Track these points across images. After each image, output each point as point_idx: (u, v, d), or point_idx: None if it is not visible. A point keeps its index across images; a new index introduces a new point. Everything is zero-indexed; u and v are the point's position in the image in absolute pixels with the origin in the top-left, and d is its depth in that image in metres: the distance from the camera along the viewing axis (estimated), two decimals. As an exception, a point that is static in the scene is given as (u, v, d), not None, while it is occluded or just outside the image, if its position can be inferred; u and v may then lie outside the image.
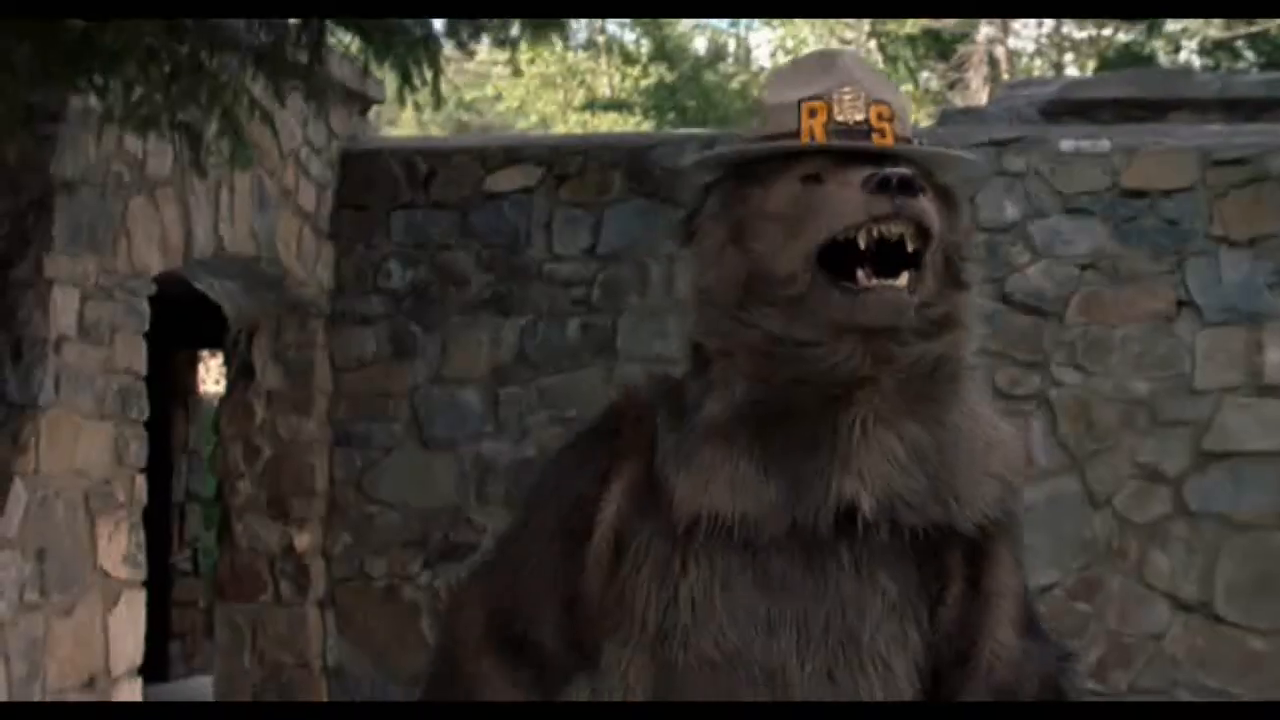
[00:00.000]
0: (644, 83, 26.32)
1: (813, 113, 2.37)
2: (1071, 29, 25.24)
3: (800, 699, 2.33)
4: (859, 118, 2.36)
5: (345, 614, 9.16)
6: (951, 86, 23.26)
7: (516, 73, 12.59)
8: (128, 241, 7.17)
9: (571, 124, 25.67)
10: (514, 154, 9.23)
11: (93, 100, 6.18)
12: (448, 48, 5.49)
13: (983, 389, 2.58)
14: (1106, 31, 23.05)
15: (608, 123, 25.38)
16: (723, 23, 31.71)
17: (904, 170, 2.27)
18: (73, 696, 6.79)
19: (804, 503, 2.32)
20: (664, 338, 8.80)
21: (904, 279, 2.28)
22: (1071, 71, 24.93)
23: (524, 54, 6.02)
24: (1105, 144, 8.61)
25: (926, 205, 2.29)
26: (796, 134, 2.38)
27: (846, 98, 2.37)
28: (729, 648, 2.34)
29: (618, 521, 2.42)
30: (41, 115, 6.40)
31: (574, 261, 9.05)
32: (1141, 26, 22.34)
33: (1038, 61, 25.53)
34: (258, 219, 8.24)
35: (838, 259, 2.28)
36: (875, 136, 2.36)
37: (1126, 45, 22.63)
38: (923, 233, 2.28)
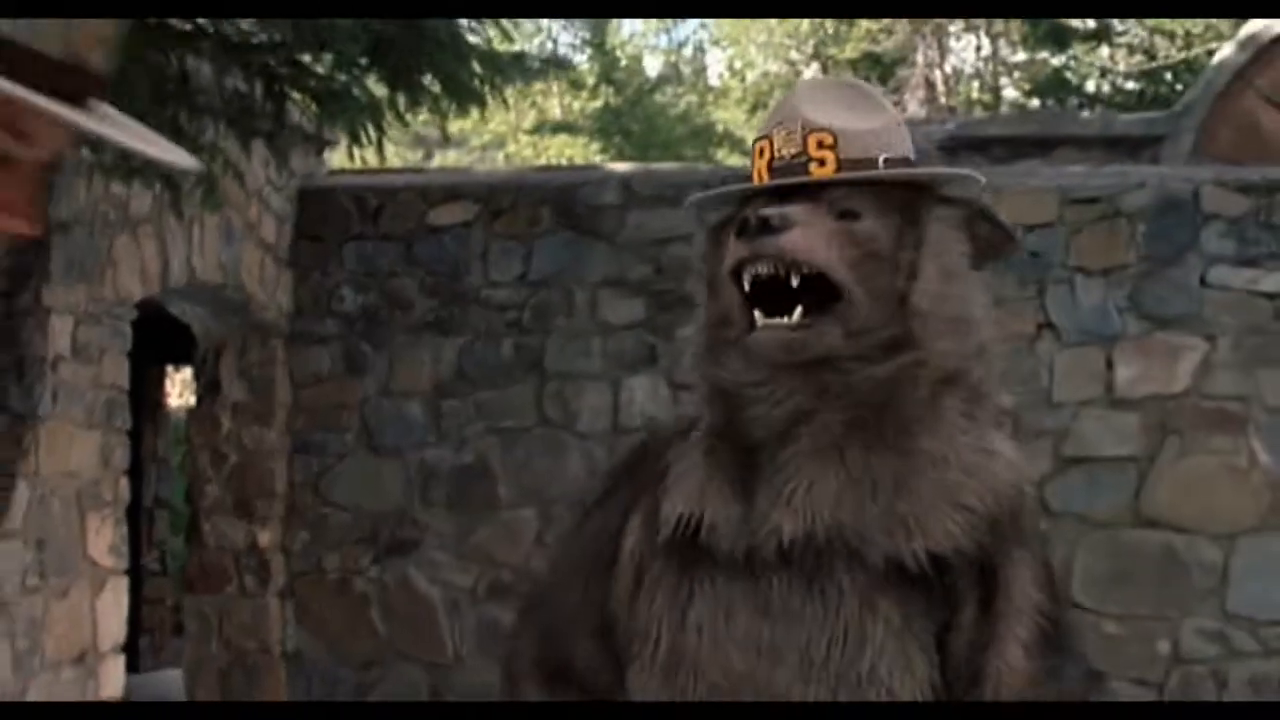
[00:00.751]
0: (592, 105, 26.73)
1: (761, 152, 2.37)
2: (1007, 53, 25.65)
3: None
4: (794, 150, 2.33)
5: (303, 604, 9.54)
6: None
7: (446, 138, 13.00)
8: (113, 273, 7.67)
9: (522, 144, 26.13)
10: (454, 191, 9.70)
11: (85, 152, 6.63)
12: (389, 115, 6.21)
13: (985, 409, 2.41)
14: (1041, 55, 23.42)
15: (556, 145, 25.75)
16: (677, 40, 32.10)
17: (763, 211, 2.24)
18: (67, 670, 7.34)
19: (755, 534, 2.28)
20: (587, 356, 9.36)
21: (794, 315, 2.26)
22: (1009, 93, 25.36)
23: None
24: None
25: (790, 241, 2.24)
26: (751, 177, 2.40)
27: (783, 133, 2.34)
28: (734, 676, 2.29)
29: (637, 552, 2.41)
30: (40, 166, 7.00)
31: (507, 288, 9.48)
32: (1072, 52, 22.71)
33: (975, 84, 25.97)
34: (225, 251, 8.73)
35: (760, 301, 2.29)
36: (814, 166, 2.32)
37: (1056, 70, 23.07)
38: (796, 265, 2.24)
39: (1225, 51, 12.44)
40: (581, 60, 27.62)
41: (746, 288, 2.27)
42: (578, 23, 26.20)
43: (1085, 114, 14.65)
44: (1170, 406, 9.06)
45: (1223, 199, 9.12)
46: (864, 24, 23.57)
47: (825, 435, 2.28)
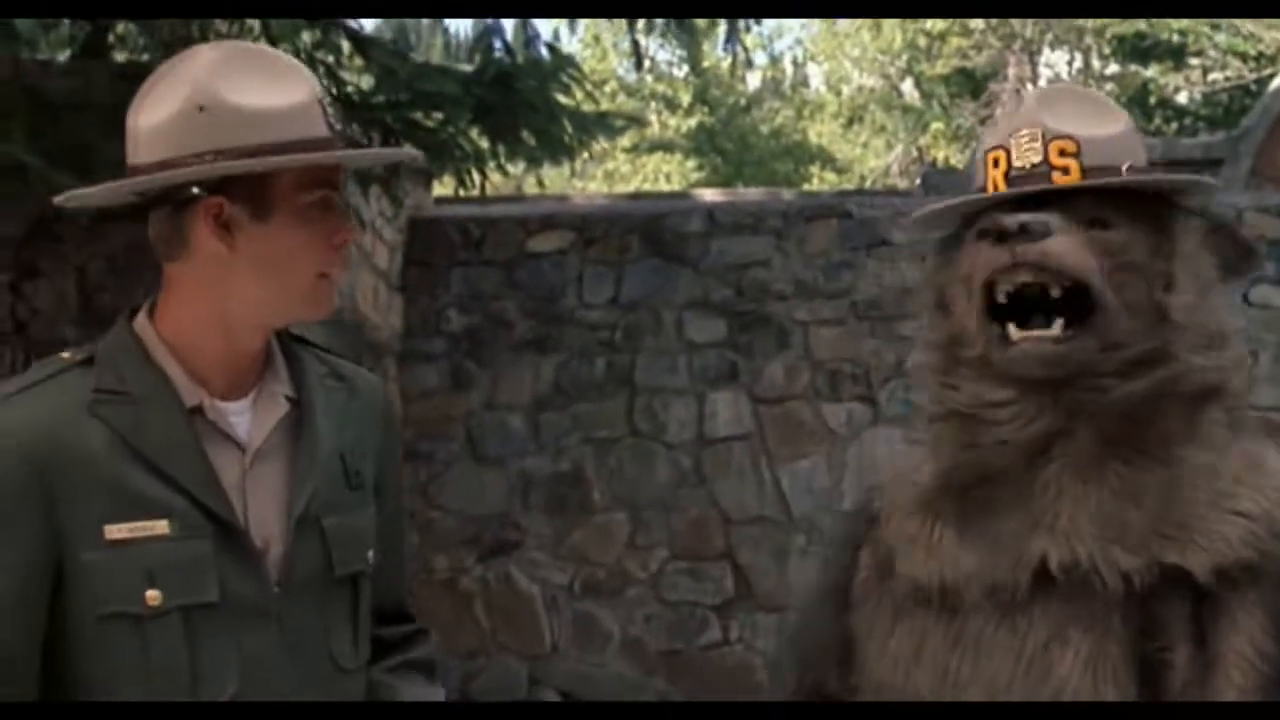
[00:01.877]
0: (687, 124, 27.20)
1: (995, 162, 2.26)
2: (1099, 66, 25.95)
3: None
4: (1035, 160, 2.21)
5: (415, 601, 10.25)
6: (983, 123, 23.14)
7: (541, 185, 13.67)
8: None
9: (620, 161, 26.82)
10: (550, 221, 10.17)
11: (221, 195, 7.56)
12: (490, 164, 6.97)
13: (1247, 423, 2.25)
14: (1132, 68, 23.72)
15: (654, 162, 26.40)
16: (772, 54, 32.58)
17: (1022, 217, 2.13)
18: None
19: (999, 566, 2.16)
20: (674, 372, 9.91)
21: (1056, 327, 2.14)
22: None
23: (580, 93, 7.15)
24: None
25: (1053, 247, 2.13)
26: (985, 187, 2.28)
27: (1024, 140, 2.23)
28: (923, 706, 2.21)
29: (864, 587, 2.34)
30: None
31: (600, 310, 9.97)
32: (1166, 64, 22.95)
33: None
34: (342, 278, 9.40)
35: (1011, 314, 2.17)
36: (1057, 175, 2.21)
37: (1144, 83, 23.26)
38: (1060, 275, 2.14)
39: (1282, 78, 13.02)
40: (679, 77, 28.23)
41: (1001, 298, 2.17)
42: (674, 42, 26.84)
43: (1149, 140, 15.12)
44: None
45: (1264, 222, 9.70)
46: (954, 39, 23.97)
47: (1083, 454, 2.15)
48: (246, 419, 2.35)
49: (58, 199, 2.41)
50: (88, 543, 2.21)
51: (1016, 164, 2.24)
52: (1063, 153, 2.22)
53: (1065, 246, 2.13)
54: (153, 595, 2.22)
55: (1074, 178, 2.21)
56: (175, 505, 2.24)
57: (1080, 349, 2.15)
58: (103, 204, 2.37)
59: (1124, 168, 2.23)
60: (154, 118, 2.29)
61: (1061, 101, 2.30)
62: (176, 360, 2.31)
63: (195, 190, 2.25)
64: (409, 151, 3.02)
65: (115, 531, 2.22)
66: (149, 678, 2.23)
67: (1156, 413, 2.16)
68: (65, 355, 2.34)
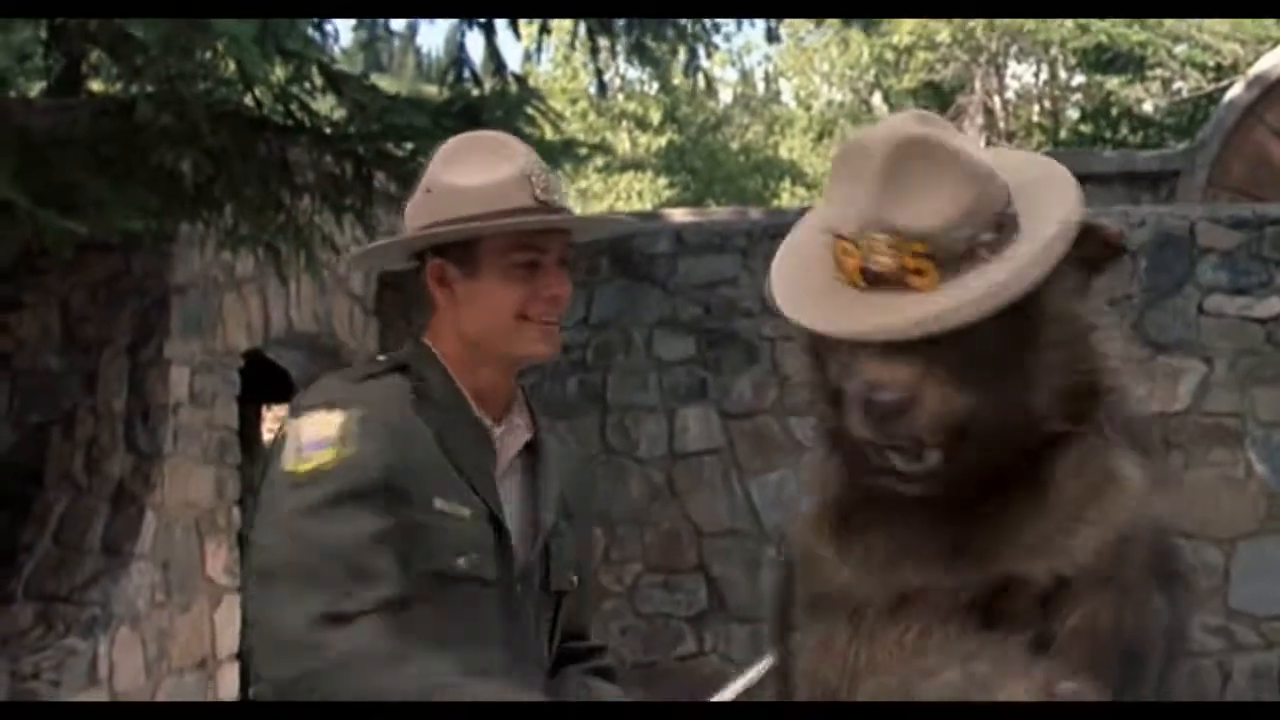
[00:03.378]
0: (657, 143, 27.36)
1: (847, 251, 2.08)
2: (1065, 77, 26.12)
3: None
4: (891, 265, 2.05)
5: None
6: None
7: None
8: (223, 328, 8.54)
9: (592, 180, 27.04)
10: None
11: (198, 226, 7.57)
12: None
13: (1115, 428, 2.15)
14: (1098, 78, 23.86)
15: (625, 181, 26.59)
16: (742, 70, 32.79)
17: (886, 397, 2.03)
18: (189, 674, 8.23)
19: (868, 589, 2.19)
20: (645, 390, 10.18)
21: (931, 460, 2.08)
22: (1072, 114, 25.91)
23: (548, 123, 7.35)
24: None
25: (924, 418, 2.03)
26: (838, 268, 2.10)
27: (877, 243, 2.06)
28: (829, 689, 2.24)
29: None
30: (160, 238, 7.78)
31: (571, 330, 10.02)
32: (1127, 75, 23.12)
33: (1035, 109, 26.61)
34: (319, 304, 9.59)
35: None
36: (913, 278, 2.04)
37: (1108, 94, 23.37)
38: (929, 441, 2.05)
39: (1235, 90, 13.30)
40: (649, 95, 28.39)
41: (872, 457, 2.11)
42: (644, 63, 26.98)
43: (1107, 153, 15.39)
44: (1173, 423, 9.72)
45: (1216, 234, 9.97)
46: (921, 54, 24.19)
47: (947, 492, 2.12)
48: (508, 441, 2.84)
49: (350, 258, 3.21)
50: (420, 507, 2.66)
51: (870, 266, 2.05)
52: (916, 254, 2.04)
53: (935, 409, 2.04)
54: (463, 562, 2.68)
55: (930, 279, 2.03)
56: (472, 499, 2.73)
57: (958, 468, 2.08)
58: (380, 267, 2.96)
59: (984, 242, 2.05)
60: (410, 201, 2.84)
61: (910, 184, 2.06)
62: (457, 378, 2.81)
63: (428, 256, 2.77)
64: (615, 217, 3.30)
65: (440, 504, 2.69)
66: (439, 627, 2.59)
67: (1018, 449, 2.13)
68: (381, 359, 2.88)
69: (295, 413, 2.72)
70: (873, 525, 2.21)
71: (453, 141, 2.87)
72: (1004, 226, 2.08)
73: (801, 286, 2.17)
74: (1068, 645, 2.10)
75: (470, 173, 2.74)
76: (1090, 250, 2.11)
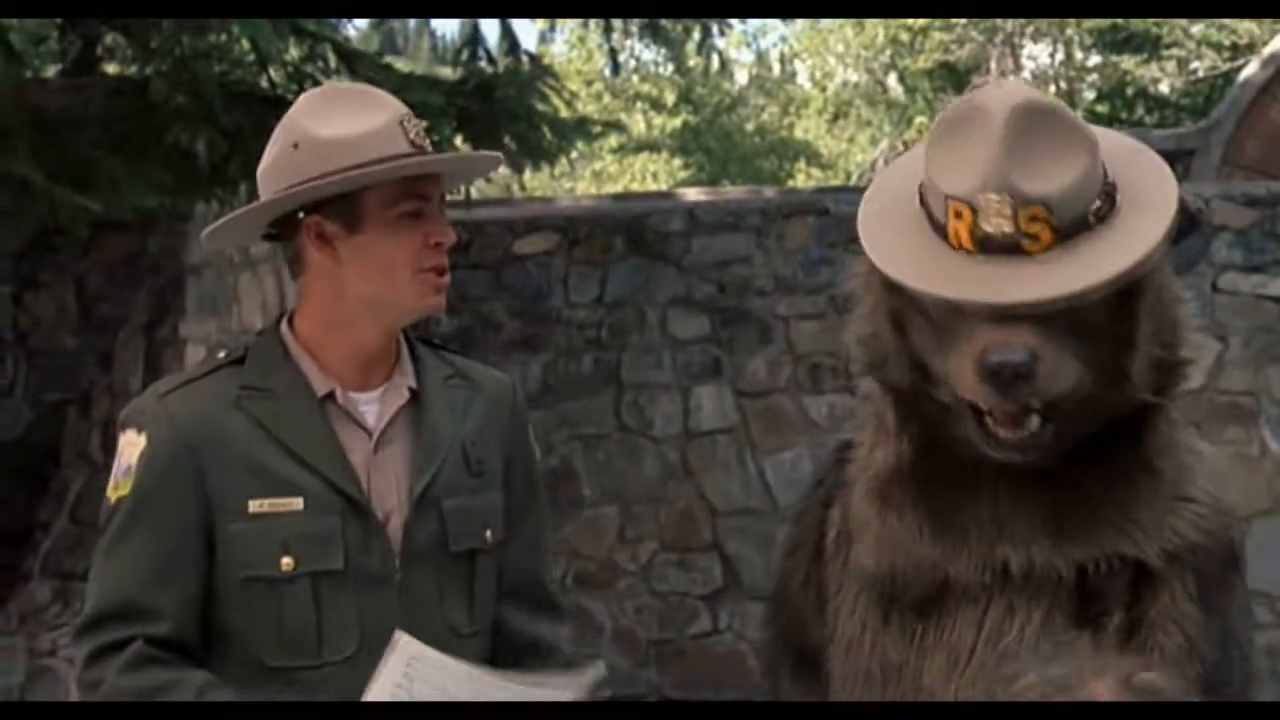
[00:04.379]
0: (672, 124, 27.40)
1: (958, 214, 2.08)
2: (1081, 58, 26.04)
3: None
4: (1006, 229, 2.05)
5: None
6: None
7: (523, 187, 13.79)
8: (238, 307, 8.46)
9: (608, 161, 27.01)
10: (536, 223, 10.32)
11: (214, 204, 7.63)
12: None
13: (1179, 418, 2.28)
14: (1114, 59, 23.80)
15: (640, 162, 26.60)
16: (758, 51, 32.69)
17: (1011, 358, 2.03)
18: None
19: (958, 563, 2.20)
20: (659, 368, 10.08)
21: (1032, 424, 2.11)
22: (1087, 94, 25.82)
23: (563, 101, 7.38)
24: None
25: (1043, 384, 2.06)
26: (944, 228, 2.11)
27: (992, 203, 2.05)
28: (889, 666, 2.27)
29: (835, 543, 2.37)
30: (175, 218, 7.81)
31: (586, 309, 10.11)
32: (1143, 55, 23.04)
33: (1051, 90, 26.27)
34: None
35: None
36: (1028, 243, 2.05)
37: (1123, 75, 23.28)
38: (1045, 407, 2.10)
39: (1250, 69, 13.26)
40: (664, 77, 28.39)
41: (984, 411, 2.14)
42: (659, 44, 26.96)
43: (1125, 131, 15.26)
44: (1187, 401, 9.62)
45: (1230, 212, 9.91)
46: (936, 34, 24.07)
47: (1038, 469, 2.17)
48: (375, 408, 2.70)
49: (204, 234, 2.79)
50: (233, 515, 2.58)
51: (984, 226, 2.07)
52: (1033, 219, 2.06)
53: (1052, 376, 2.07)
54: (287, 562, 2.57)
55: (1045, 243, 2.06)
56: (308, 485, 2.60)
57: (1052, 433, 2.13)
58: (239, 242, 2.75)
59: (1092, 211, 2.09)
60: (265, 162, 2.68)
61: (1029, 141, 2.08)
62: (311, 358, 2.67)
63: (300, 215, 2.62)
64: (489, 155, 3.03)
65: (256, 506, 2.59)
66: (281, 634, 2.59)
67: (1109, 430, 2.18)
68: (221, 355, 2.75)
69: (120, 426, 2.70)
70: (956, 496, 2.22)
71: (311, 95, 2.75)
72: (1110, 196, 2.12)
73: (900, 248, 2.18)
74: (1159, 631, 2.17)
75: (341, 123, 2.61)
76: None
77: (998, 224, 2.05)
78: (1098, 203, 2.10)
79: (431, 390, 2.74)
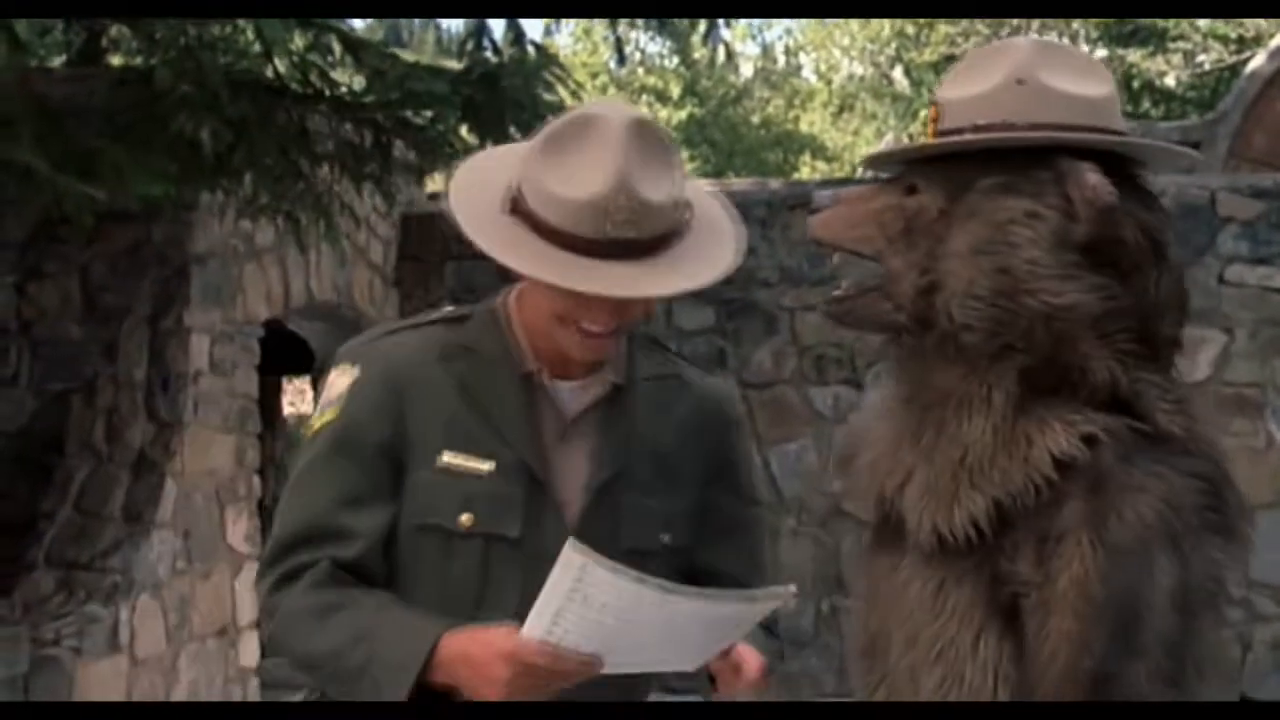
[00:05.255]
0: (678, 116, 27.36)
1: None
2: (1086, 50, 25.94)
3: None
4: (925, 126, 2.48)
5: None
6: None
7: None
8: (243, 297, 8.60)
9: (614, 154, 26.99)
10: None
11: (219, 194, 7.68)
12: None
13: (1051, 375, 2.34)
14: (1120, 52, 23.83)
15: (646, 154, 26.70)
16: (763, 43, 32.74)
17: (821, 193, 2.54)
18: (211, 641, 8.30)
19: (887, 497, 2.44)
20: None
21: (841, 289, 2.55)
22: None
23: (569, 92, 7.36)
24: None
25: (820, 221, 2.60)
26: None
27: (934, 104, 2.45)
28: (872, 593, 2.47)
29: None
30: (180, 208, 7.80)
31: None
32: (1149, 48, 23.06)
33: None
34: (338, 274, 9.62)
35: None
36: (926, 137, 2.46)
37: (1129, 68, 23.29)
38: (832, 246, 2.56)
39: (1257, 61, 13.25)
40: (669, 69, 28.44)
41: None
42: (664, 36, 27.01)
43: (1130, 124, 15.28)
44: (1194, 393, 9.80)
45: (1237, 204, 9.94)
46: (942, 28, 24.09)
47: (909, 415, 2.42)
48: (575, 395, 2.69)
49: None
50: (424, 463, 2.62)
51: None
52: (933, 119, 2.38)
53: (835, 219, 2.45)
54: (466, 518, 2.60)
55: (928, 138, 2.38)
56: (499, 451, 2.63)
57: (861, 305, 2.43)
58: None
59: (971, 126, 2.32)
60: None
61: (971, 62, 2.42)
62: (525, 337, 2.68)
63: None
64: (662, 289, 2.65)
65: (448, 459, 2.62)
66: (445, 587, 2.60)
67: (942, 372, 2.34)
68: (444, 312, 2.79)
69: (333, 362, 2.74)
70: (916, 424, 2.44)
71: (568, 117, 2.61)
72: (999, 126, 2.39)
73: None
74: (1056, 602, 2.19)
75: (558, 174, 2.50)
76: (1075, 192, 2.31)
77: (927, 120, 2.50)
78: (980, 120, 2.37)
79: (636, 386, 2.72)
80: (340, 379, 2.67)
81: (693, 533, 2.76)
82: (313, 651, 2.58)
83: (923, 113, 2.15)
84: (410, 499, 2.62)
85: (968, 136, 2.33)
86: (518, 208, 2.55)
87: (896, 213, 2.36)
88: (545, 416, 2.68)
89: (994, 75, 2.33)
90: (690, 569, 2.72)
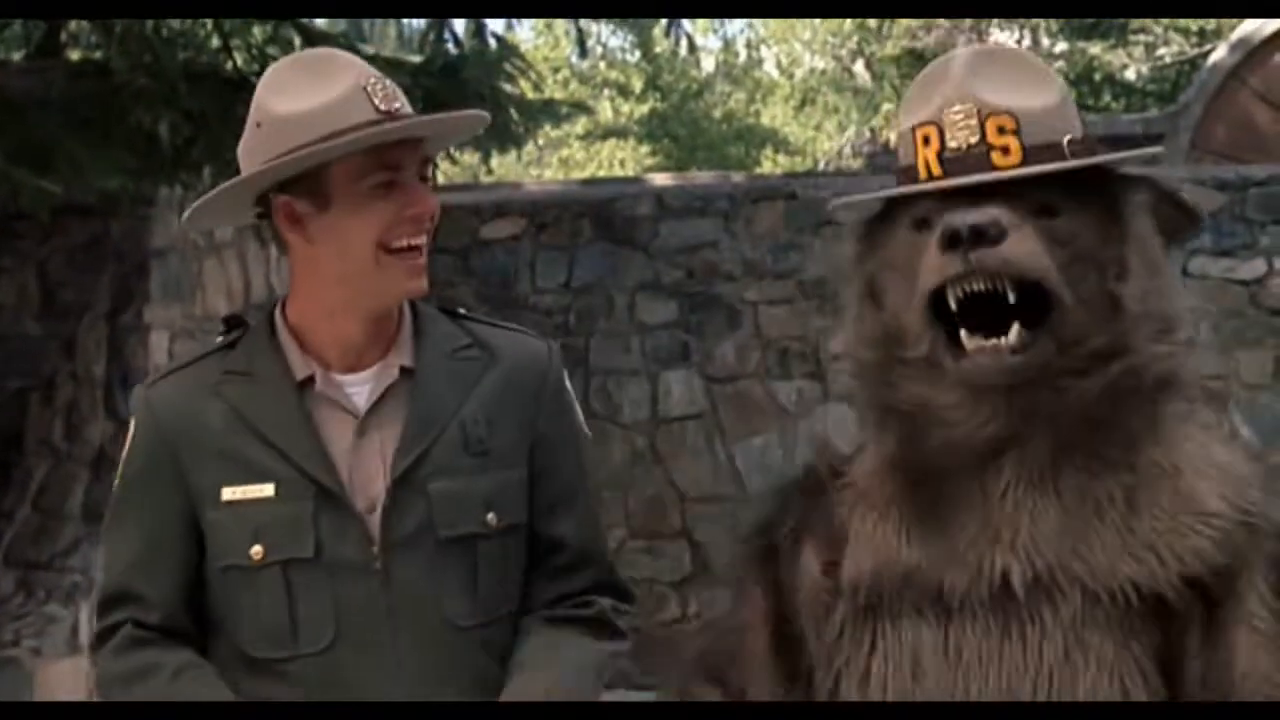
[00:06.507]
0: (640, 110, 27.45)
1: (925, 140, 2.04)
2: (1048, 44, 26.13)
3: None
4: (973, 140, 2.01)
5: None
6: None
7: (489, 170, 13.75)
8: (203, 293, 8.50)
9: (575, 148, 27.01)
10: (503, 208, 10.35)
11: (178, 188, 7.62)
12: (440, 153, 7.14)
13: (1200, 412, 2.12)
14: (1080, 45, 23.86)
15: (607, 149, 26.60)
16: (724, 38, 32.77)
17: (974, 219, 1.93)
18: None
19: (952, 574, 2.02)
20: (627, 353, 10.09)
21: (1012, 335, 1.96)
22: None
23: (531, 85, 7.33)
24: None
25: (1012, 251, 1.94)
26: (915, 168, 2.07)
27: (957, 117, 2.02)
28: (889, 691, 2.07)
29: (816, 595, 2.15)
30: (139, 202, 7.73)
31: (553, 294, 10.15)
32: (1110, 41, 23.11)
33: None
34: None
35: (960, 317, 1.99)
36: (996, 156, 2.00)
37: (1090, 60, 23.36)
38: (1018, 280, 1.95)
39: (1218, 54, 13.27)
40: (631, 63, 28.44)
41: (954, 305, 1.98)
42: (626, 30, 27.01)
43: (1090, 117, 15.31)
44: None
45: (1199, 196, 9.87)
46: (904, 21, 24.13)
47: (1036, 461, 2.00)
48: (365, 390, 2.59)
49: (187, 217, 2.74)
50: (210, 504, 2.55)
51: (950, 144, 2.02)
52: (1001, 130, 2.01)
53: (1023, 248, 1.95)
54: (256, 550, 2.52)
55: (1015, 159, 2.01)
56: (280, 471, 2.53)
57: (1038, 354, 1.98)
58: (224, 223, 2.71)
59: (1065, 142, 2.04)
60: (241, 141, 2.60)
61: (994, 68, 2.07)
62: (296, 341, 2.59)
63: (272, 196, 2.54)
64: (470, 114, 2.73)
65: (229, 494, 2.54)
66: (257, 624, 2.54)
67: (1114, 411, 2.01)
68: (218, 339, 2.69)
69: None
70: (945, 498, 2.05)
71: (276, 67, 2.63)
72: (1090, 147, 2.09)
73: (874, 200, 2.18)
74: (1248, 629, 2.01)
75: (301, 96, 2.48)
76: (1166, 216, 2.14)
77: (964, 136, 2.02)
78: (1070, 136, 2.06)
79: (430, 366, 2.61)
80: (130, 429, 2.64)
81: (525, 507, 2.64)
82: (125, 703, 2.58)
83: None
84: (209, 543, 2.57)
85: (1082, 158, 2.07)
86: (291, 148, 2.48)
87: (1049, 240, 2.00)
88: (330, 421, 2.58)
89: (1049, 84, 2.10)
90: (533, 544, 2.65)
